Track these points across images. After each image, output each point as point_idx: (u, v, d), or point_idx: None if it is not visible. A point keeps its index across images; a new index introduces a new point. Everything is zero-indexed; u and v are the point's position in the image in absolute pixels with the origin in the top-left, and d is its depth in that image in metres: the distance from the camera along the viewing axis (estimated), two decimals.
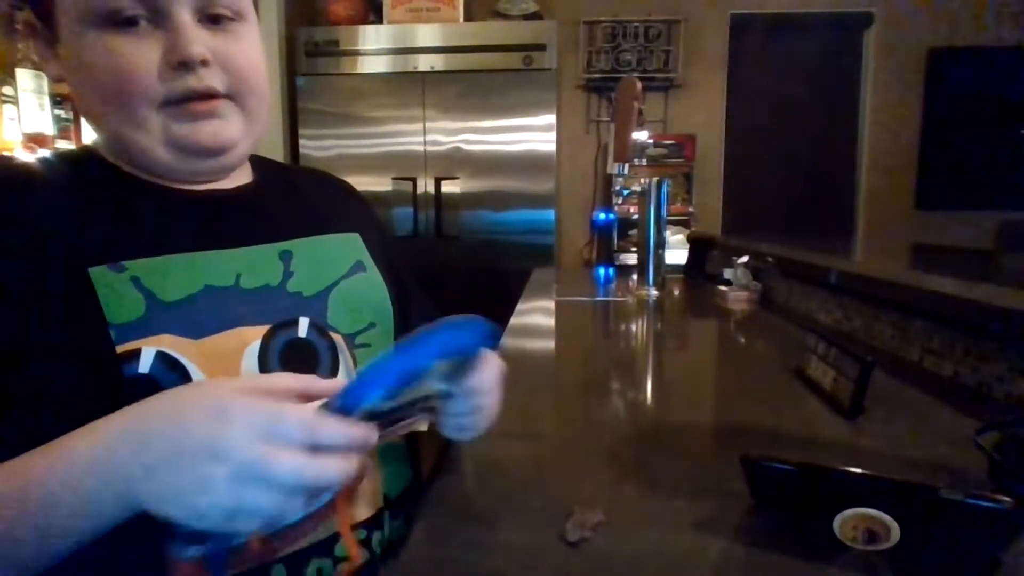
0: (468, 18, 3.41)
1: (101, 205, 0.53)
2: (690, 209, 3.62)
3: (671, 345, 1.46)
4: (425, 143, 3.31)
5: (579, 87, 3.79)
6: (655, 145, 3.61)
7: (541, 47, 3.20)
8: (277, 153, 3.41)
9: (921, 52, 3.67)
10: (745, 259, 1.81)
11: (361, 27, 3.33)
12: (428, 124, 3.30)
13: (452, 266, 3.35)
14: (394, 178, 3.33)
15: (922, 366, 1.05)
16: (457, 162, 3.30)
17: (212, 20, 0.55)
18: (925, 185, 3.75)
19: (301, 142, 3.37)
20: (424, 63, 3.27)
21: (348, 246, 0.66)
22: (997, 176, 3.67)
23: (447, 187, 3.30)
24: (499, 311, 1.61)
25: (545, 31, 3.24)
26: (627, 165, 1.94)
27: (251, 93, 0.59)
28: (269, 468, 0.37)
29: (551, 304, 1.84)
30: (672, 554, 0.52)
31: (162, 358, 0.48)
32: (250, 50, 0.58)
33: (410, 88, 3.28)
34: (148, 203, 0.55)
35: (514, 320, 1.53)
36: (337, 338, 0.58)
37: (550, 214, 3.31)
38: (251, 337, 0.53)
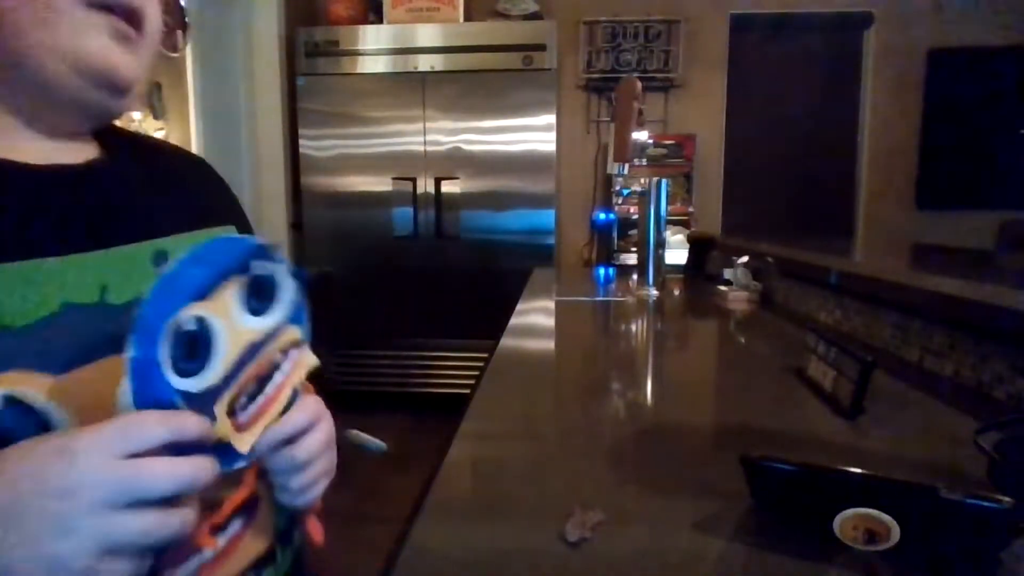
0: (468, 18, 3.41)
1: None
2: (690, 209, 3.62)
3: (671, 345, 1.46)
4: (425, 143, 3.31)
5: (579, 87, 3.79)
6: (655, 145, 3.61)
7: (541, 47, 3.20)
8: (277, 153, 3.41)
9: (921, 52, 3.67)
10: (745, 259, 1.81)
11: (361, 27, 3.33)
12: (428, 124, 3.30)
13: (452, 266, 3.35)
14: (394, 178, 3.33)
15: (922, 366, 1.05)
16: (457, 162, 3.30)
17: None
18: (925, 185, 3.76)
19: (301, 142, 3.37)
20: (424, 63, 3.27)
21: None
22: (997, 176, 3.67)
23: (447, 187, 3.30)
24: (499, 311, 1.61)
25: (545, 31, 3.24)
26: (627, 165, 1.94)
27: (150, 46, 0.50)
28: (135, 485, 0.34)
29: (551, 304, 1.84)
30: (672, 554, 0.52)
31: (11, 402, 0.38)
32: (158, 7, 0.50)
33: (410, 88, 3.28)
34: None
35: (514, 320, 1.53)
36: None
37: (550, 214, 3.32)
38: (121, 371, 0.38)
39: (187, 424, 0.37)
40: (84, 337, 0.41)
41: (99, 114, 0.50)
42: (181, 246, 0.48)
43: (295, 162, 3.43)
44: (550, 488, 0.64)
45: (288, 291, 0.48)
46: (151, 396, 0.37)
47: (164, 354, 0.37)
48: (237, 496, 0.47)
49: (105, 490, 0.34)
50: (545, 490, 0.64)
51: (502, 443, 0.77)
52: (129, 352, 0.36)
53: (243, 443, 0.42)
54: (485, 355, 1.19)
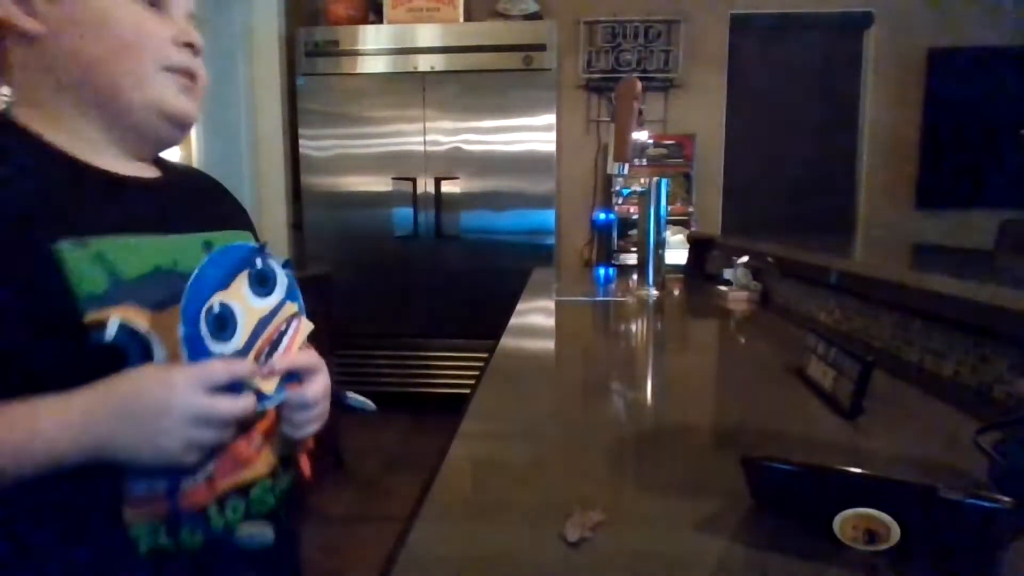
0: (468, 18, 3.41)
1: (40, 179, 0.58)
2: (690, 209, 3.62)
3: (671, 345, 1.46)
4: (425, 143, 3.32)
5: (579, 87, 3.79)
6: (655, 145, 3.61)
7: (541, 47, 3.20)
8: (277, 153, 3.41)
9: (921, 52, 3.67)
10: (745, 259, 1.81)
11: (361, 27, 3.33)
12: (428, 124, 3.30)
13: (452, 266, 3.35)
14: (394, 178, 3.34)
15: (922, 366, 1.05)
16: (457, 162, 3.30)
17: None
18: (925, 185, 3.76)
19: (301, 142, 3.37)
20: (424, 63, 3.27)
21: (247, 242, 0.71)
22: (997, 176, 3.67)
23: (447, 187, 3.30)
24: (499, 311, 1.61)
25: (545, 31, 3.24)
26: (627, 165, 1.94)
27: (203, 94, 0.69)
28: (210, 412, 0.54)
29: (551, 304, 1.84)
30: (672, 554, 0.52)
31: (124, 328, 0.54)
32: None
33: (410, 88, 3.28)
34: (96, 184, 0.62)
35: (514, 320, 1.54)
36: None
37: (550, 214, 3.32)
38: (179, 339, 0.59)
39: (240, 369, 0.57)
40: (166, 289, 0.58)
41: (169, 143, 0.69)
42: (218, 239, 0.66)
43: (295, 162, 3.43)
44: (550, 488, 0.64)
45: (282, 277, 0.65)
46: (199, 359, 0.56)
47: (204, 330, 0.56)
48: (262, 424, 0.65)
49: (192, 411, 0.54)
50: (545, 490, 0.64)
51: (502, 443, 0.77)
52: (179, 330, 0.55)
53: (268, 386, 0.60)
54: (485, 355, 1.19)
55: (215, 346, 0.57)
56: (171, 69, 0.64)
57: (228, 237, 0.67)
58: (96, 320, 0.53)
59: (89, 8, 0.60)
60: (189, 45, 0.65)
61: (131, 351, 0.55)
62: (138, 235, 0.59)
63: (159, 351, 0.56)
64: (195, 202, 0.73)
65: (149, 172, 0.68)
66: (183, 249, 0.62)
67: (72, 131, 0.61)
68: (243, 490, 0.63)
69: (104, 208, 0.60)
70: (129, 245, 0.58)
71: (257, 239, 0.75)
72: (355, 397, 0.88)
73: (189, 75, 0.66)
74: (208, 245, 0.64)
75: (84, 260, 0.53)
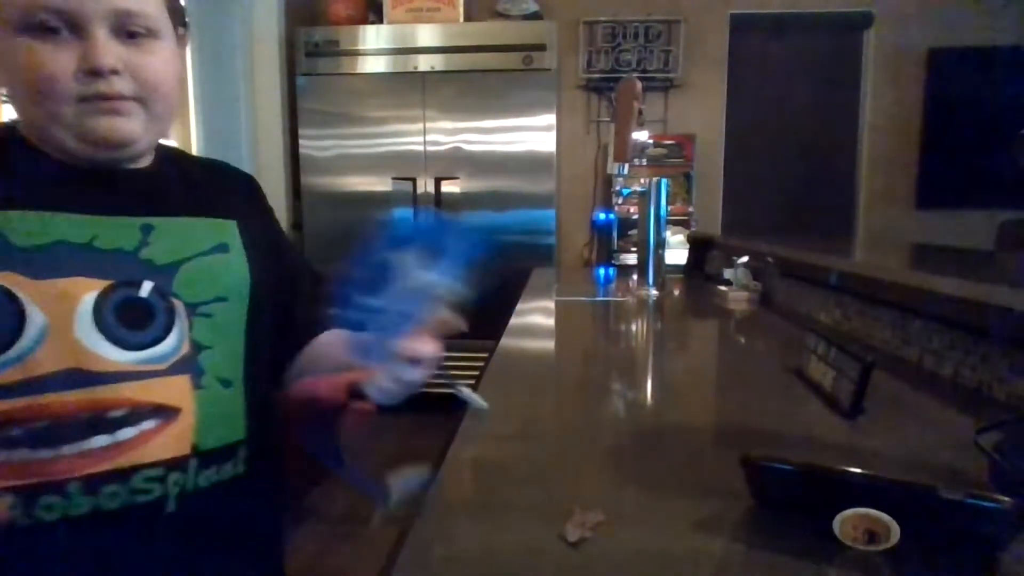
0: (468, 18, 3.41)
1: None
2: (690, 209, 3.62)
3: (671, 345, 1.45)
4: (425, 143, 3.31)
5: (579, 87, 3.79)
6: (655, 145, 3.61)
7: (541, 47, 3.20)
8: (277, 153, 3.41)
9: (921, 52, 3.67)
10: (745, 259, 1.81)
11: (361, 27, 3.33)
12: (428, 124, 3.30)
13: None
14: (394, 178, 3.33)
15: (922, 366, 1.05)
16: (457, 162, 3.30)
17: (128, 35, 0.65)
18: (925, 185, 3.75)
19: (301, 142, 3.37)
20: (424, 63, 3.27)
21: (216, 229, 0.74)
22: (997, 176, 3.67)
23: (447, 187, 3.30)
24: (499, 311, 1.61)
25: (545, 31, 3.24)
26: (627, 165, 1.94)
27: (156, 99, 0.67)
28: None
29: (551, 304, 1.84)
30: (672, 554, 0.52)
31: (2, 291, 0.58)
32: (159, 62, 0.67)
33: (410, 88, 3.28)
34: (34, 169, 0.66)
35: (514, 320, 1.53)
36: (178, 304, 0.67)
37: (550, 214, 3.31)
38: (90, 287, 0.62)
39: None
40: (64, 262, 0.62)
41: (109, 162, 0.68)
42: (164, 224, 0.69)
43: (295, 162, 3.43)
44: (550, 488, 0.64)
45: (452, 262, 0.68)
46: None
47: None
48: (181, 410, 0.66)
49: None
50: (545, 490, 0.64)
51: (502, 443, 0.77)
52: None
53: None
54: (485, 355, 1.19)
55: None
56: (82, 99, 0.63)
57: (180, 223, 0.70)
58: None
59: (5, 55, 0.62)
60: (94, 72, 0.62)
61: (1, 312, 0.58)
62: (53, 211, 0.63)
63: (38, 317, 0.59)
64: (164, 190, 0.73)
65: (134, 165, 0.71)
66: (110, 229, 0.65)
67: (43, 140, 0.66)
68: (122, 474, 0.62)
69: (28, 187, 0.64)
70: (33, 218, 0.62)
71: (247, 227, 0.76)
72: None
73: (107, 98, 0.64)
74: (147, 228, 0.67)
75: None
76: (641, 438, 0.80)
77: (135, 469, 0.62)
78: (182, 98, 2.74)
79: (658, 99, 3.73)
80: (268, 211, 0.87)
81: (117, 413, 0.61)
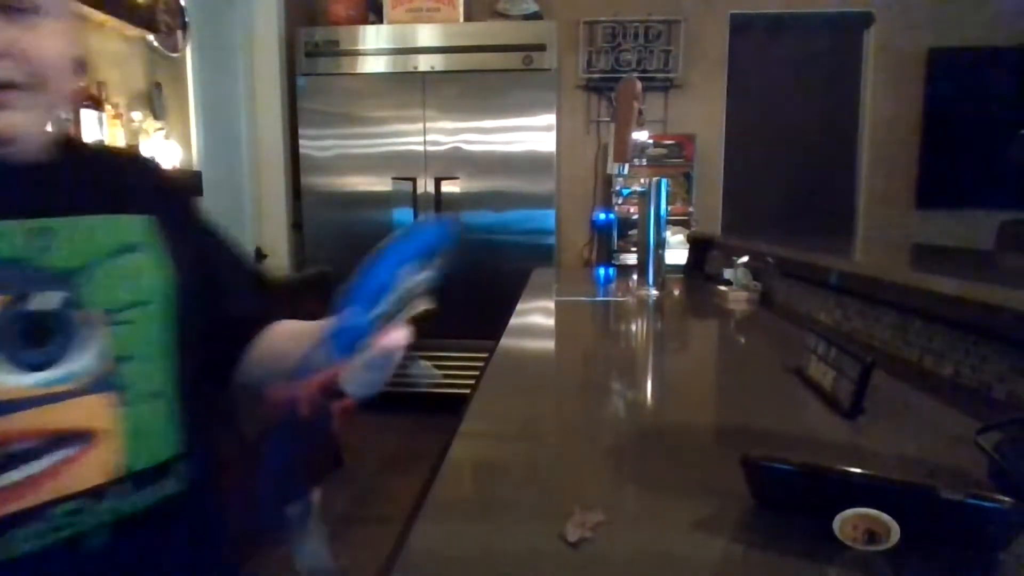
0: (468, 18, 3.41)
1: None
2: (690, 209, 3.62)
3: (671, 345, 1.46)
4: (425, 143, 3.31)
5: (579, 87, 3.79)
6: (655, 145, 3.61)
7: (541, 47, 3.20)
8: (277, 153, 3.41)
9: (921, 52, 3.67)
10: (745, 259, 1.81)
11: (361, 27, 3.33)
12: (428, 124, 3.30)
13: (452, 266, 3.34)
14: (394, 178, 3.33)
15: (922, 366, 1.05)
16: (457, 162, 3.30)
17: (9, 11, 0.55)
18: (925, 185, 3.75)
19: (301, 142, 3.37)
20: (424, 63, 3.27)
21: (126, 227, 0.65)
22: (997, 176, 3.67)
23: (447, 187, 3.30)
24: (499, 311, 1.61)
25: (545, 31, 3.24)
26: (627, 165, 1.94)
27: (45, 86, 0.58)
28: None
29: (551, 304, 1.84)
30: (672, 554, 0.52)
31: None
32: (48, 42, 0.58)
33: (410, 88, 3.28)
34: None
35: (514, 320, 1.53)
36: (91, 313, 0.59)
37: (550, 214, 3.31)
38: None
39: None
40: None
41: (12, 160, 0.60)
42: (63, 225, 0.60)
43: (295, 162, 3.43)
44: (550, 488, 0.64)
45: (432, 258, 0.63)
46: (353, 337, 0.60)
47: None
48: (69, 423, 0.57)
49: None
50: (545, 490, 0.64)
51: (502, 443, 0.77)
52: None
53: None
54: (485, 355, 1.19)
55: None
56: None
57: (81, 222, 0.61)
58: None
59: None
60: None
61: None
62: None
63: None
64: (61, 185, 0.64)
65: (30, 157, 0.63)
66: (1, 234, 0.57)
67: None
68: (37, 511, 0.54)
69: None
70: None
71: (164, 223, 0.68)
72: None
73: None
74: (45, 231, 0.58)
75: None
76: (641, 438, 0.80)
77: (54, 503, 0.55)
78: (178, 95, 2.74)
79: (658, 99, 3.73)
80: (185, 200, 0.77)
81: (23, 446, 0.54)
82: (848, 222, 3.89)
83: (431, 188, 3.31)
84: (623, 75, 3.46)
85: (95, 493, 0.57)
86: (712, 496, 0.59)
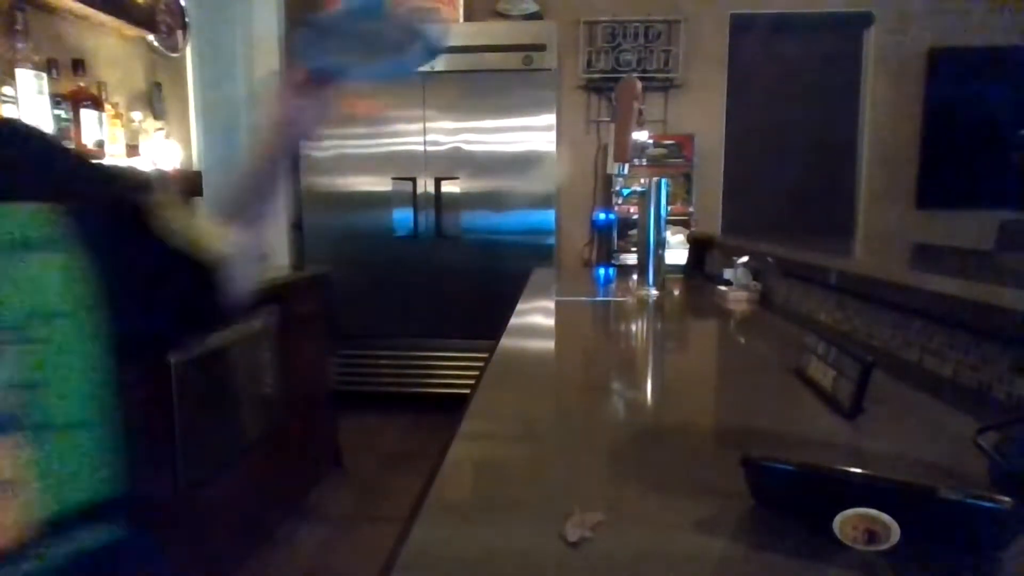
0: (468, 18, 3.41)
1: None
2: (690, 209, 3.62)
3: (671, 345, 1.45)
4: (425, 143, 3.31)
5: (579, 87, 3.79)
6: (655, 145, 3.61)
7: (541, 47, 3.20)
8: None
9: (921, 52, 3.67)
10: (745, 259, 1.81)
11: None
12: (428, 124, 3.30)
13: (452, 266, 3.35)
14: (394, 178, 3.33)
15: (922, 366, 1.04)
16: (457, 162, 3.30)
17: None
18: (925, 185, 3.76)
19: (301, 142, 3.36)
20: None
21: (20, 217, 0.53)
22: (997, 176, 3.67)
23: (447, 187, 3.30)
24: (499, 311, 1.61)
25: (545, 31, 3.24)
26: (627, 165, 1.94)
27: None
28: None
29: (551, 304, 1.84)
30: (672, 554, 0.52)
31: None
32: None
33: (410, 88, 3.28)
34: None
35: (514, 320, 1.53)
36: None
37: (550, 214, 3.31)
38: None
39: None
40: None
41: None
42: None
43: (295, 162, 3.43)
44: (550, 488, 0.64)
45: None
46: None
47: None
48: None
49: None
50: (545, 490, 0.64)
51: (502, 443, 0.77)
52: None
53: None
54: (485, 355, 1.19)
55: None
56: None
57: None
58: None
59: None
60: None
61: None
62: None
63: None
64: None
65: None
66: None
67: None
68: None
69: None
70: None
71: (71, 212, 0.55)
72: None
73: None
74: None
75: None
76: (641, 438, 0.80)
77: None
78: (178, 95, 2.74)
79: (658, 99, 3.73)
80: (109, 179, 0.67)
81: None
82: (848, 222, 3.89)
83: (431, 188, 3.31)
84: (623, 75, 3.46)
85: (11, 556, 0.48)
86: (712, 496, 0.59)
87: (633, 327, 1.60)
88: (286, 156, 0.73)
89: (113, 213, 0.61)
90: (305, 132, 0.73)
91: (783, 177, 3.90)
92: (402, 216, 3.35)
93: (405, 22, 0.69)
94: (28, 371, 0.49)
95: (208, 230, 0.68)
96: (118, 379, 0.56)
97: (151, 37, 2.44)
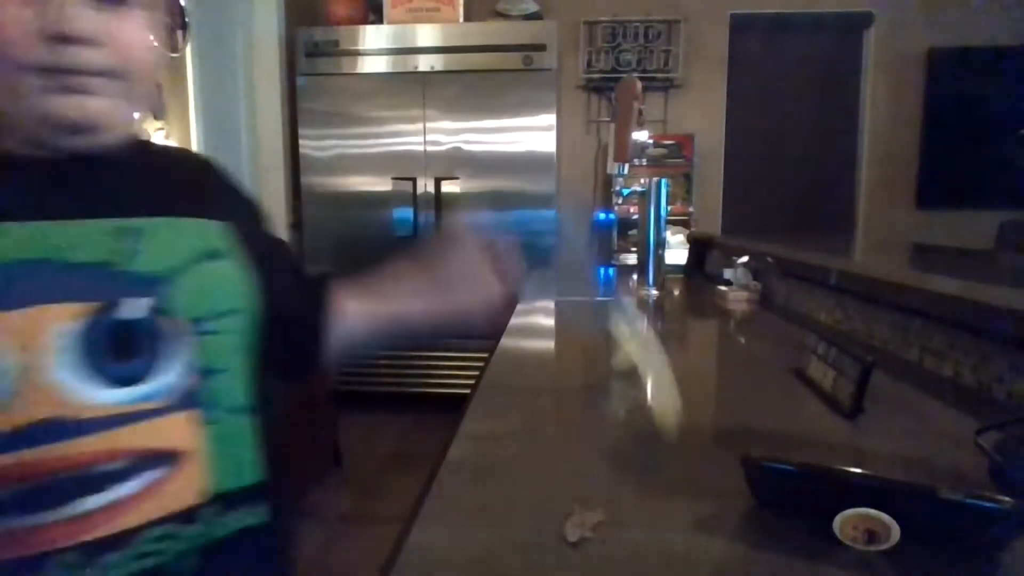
0: (468, 18, 3.41)
1: None
2: (690, 209, 3.62)
3: (671, 345, 1.45)
4: (425, 143, 3.31)
5: (579, 87, 3.79)
6: (655, 145, 3.61)
7: (541, 47, 3.20)
8: (277, 153, 3.42)
9: (921, 52, 3.67)
10: (745, 259, 1.81)
11: (361, 27, 3.33)
12: (428, 124, 3.30)
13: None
14: (394, 178, 3.33)
15: (922, 366, 1.05)
16: (457, 162, 3.30)
17: (105, 1, 0.54)
18: (925, 185, 3.76)
19: (301, 142, 3.37)
20: (424, 63, 3.27)
21: (206, 232, 0.62)
22: (997, 176, 3.67)
23: (447, 187, 3.30)
24: (499, 311, 1.61)
25: (545, 31, 3.24)
26: (627, 165, 1.94)
27: (131, 76, 0.57)
28: None
29: (551, 304, 1.84)
30: (672, 554, 0.52)
31: None
32: (139, 33, 0.57)
33: (410, 88, 3.28)
34: None
35: (514, 320, 1.53)
36: (177, 323, 0.55)
37: (550, 214, 3.31)
38: (67, 314, 0.50)
39: None
40: (30, 285, 0.50)
41: (76, 150, 0.56)
42: (147, 227, 0.56)
43: (295, 162, 3.43)
44: (550, 488, 0.64)
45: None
46: None
47: None
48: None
49: None
50: (545, 490, 0.64)
51: (502, 443, 0.77)
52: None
53: None
54: (485, 355, 1.19)
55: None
56: (45, 70, 0.52)
57: (165, 224, 0.58)
58: None
59: None
60: (62, 38, 0.51)
61: None
62: (10, 223, 0.51)
63: (5, 359, 0.47)
64: (137, 184, 0.61)
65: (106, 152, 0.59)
66: (83, 235, 0.53)
67: None
68: (124, 537, 0.51)
69: None
70: None
71: (236, 230, 0.64)
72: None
73: (74, 72, 0.53)
74: (121, 232, 0.55)
75: None
76: (641, 438, 0.80)
77: (141, 529, 0.51)
78: (178, 95, 2.74)
79: (658, 99, 3.73)
80: (247, 202, 0.75)
81: (112, 467, 0.51)
82: (848, 222, 3.89)
83: (431, 188, 3.31)
84: (623, 75, 3.46)
85: (185, 517, 0.54)
86: (712, 496, 0.59)
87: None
88: (442, 326, 0.80)
89: (255, 228, 0.71)
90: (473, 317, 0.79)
91: (783, 177, 3.90)
92: (402, 216, 3.35)
93: None
94: (202, 358, 0.56)
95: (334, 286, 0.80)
96: (263, 373, 0.63)
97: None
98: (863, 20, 3.72)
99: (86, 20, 0.52)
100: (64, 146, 0.55)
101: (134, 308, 0.53)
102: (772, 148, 3.88)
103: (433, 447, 0.72)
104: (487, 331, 0.77)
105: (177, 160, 0.71)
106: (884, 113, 3.76)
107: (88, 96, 0.54)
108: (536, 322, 1.61)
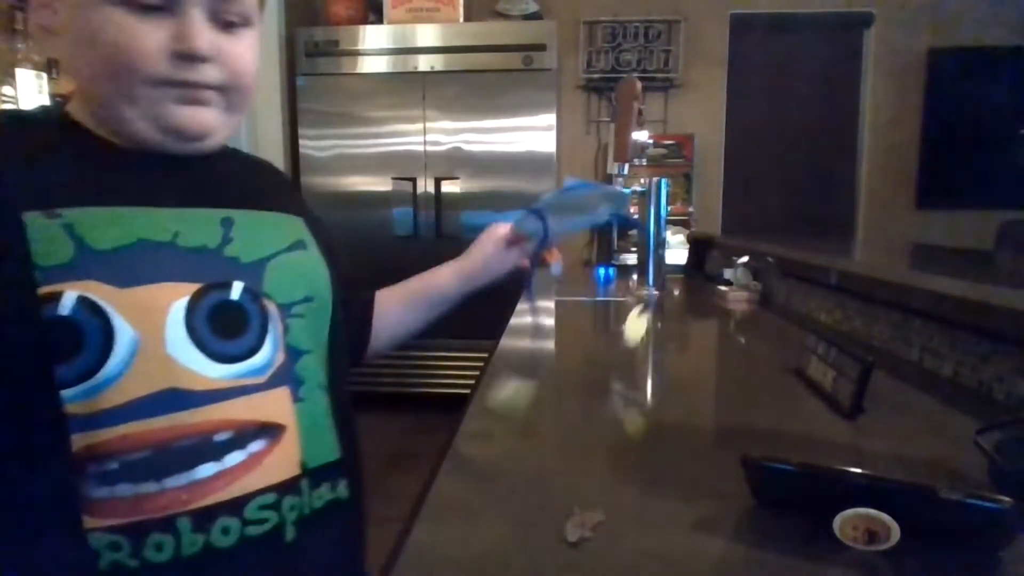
0: (468, 18, 3.41)
1: (51, 156, 0.57)
2: (690, 209, 3.62)
3: (671, 345, 1.45)
4: (425, 143, 3.31)
5: (579, 87, 3.79)
6: (655, 145, 3.61)
7: (541, 47, 3.20)
8: (277, 153, 3.41)
9: (921, 52, 3.67)
10: (745, 259, 1.81)
11: (361, 27, 3.33)
12: (428, 124, 3.30)
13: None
14: (394, 178, 3.34)
15: (922, 366, 1.05)
16: (457, 162, 3.30)
17: (224, 24, 0.60)
18: (925, 185, 3.76)
19: (301, 142, 3.37)
20: (424, 63, 3.27)
21: (291, 225, 0.70)
22: (997, 176, 3.67)
23: (447, 187, 3.30)
24: (499, 311, 1.61)
25: (545, 31, 3.24)
26: (627, 165, 1.94)
27: (239, 90, 0.63)
28: None
29: (551, 304, 1.84)
30: (672, 554, 0.52)
31: (84, 303, 0.51)
32: (248, 53, 0.63)
33: (410, 88, 3.28)
34: (99, 158, 0.59)
35: (514, 320, 1.53)
36: (270, 306, 0.61)
37: None
38: (179, 292, 0.55)
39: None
40: (148, 265, 0.55)
41: (182, 153, 0.63)
42: (243, 217, 0.63)
43: (295, 162, 3.43)
44: (550, 488, 0.64)
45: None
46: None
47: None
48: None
49: None
50: (545, 490, 0.64)
51: (502, 443, 0.77)
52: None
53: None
54: (485, 355, 1.19)
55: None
56: (166, 83, 0.58)
57: (258, 216, 0.65)
58: (50, 293, 0.50)
59: (82, 19, 0.56)
60: (188, 56, 0.57)
61: (88, 328, 0.50)
62: (130, 207, 0.56)
63: (127, 333, 0.52)
64: (232, 181, 0.69)
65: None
66: (190, 222, 0.59)
67: (102, 122, 0.60)
68: (234, 504, 0.55)
69: (100, 180, 0.58)
70: (109, 216, 0.55)
71: (310, 225, 0.72)
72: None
73: (193, 86, 0.59)
74: (228, 222, 0.62)
75: (49, 231, 0.51)
76: (641, 438, 0.80)
77: (248, 497, 0.56)
78: None
79: (658, 99, 3.73)
80: (305, 202, 0.83)
81: (222, 437, 0.55)
82: (848, 222, 3.89)
83: (431, 188, 3.31)
84: (623, 75, 3.46)
85: (284, 488, 0.58)
86: (712, 496, 0.59)
87: (633, 327, 1.60)
88: (472, 287, 1.00)
89: (323, 229, 0.77)
90: (497, 273, 0.99)
91: (783, 177, 3.90)
92: (402, 216, 3.35)
93: (600, 192, 0.93)
94: (295, 339, 0.62)
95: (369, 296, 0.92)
96: (338, 356, 0.68)
97: None
98: (863, 20, 3.72)
99: (208, 40, 0.58)
100: (172, 149, 0.61)
101: (233, 290, 0.59)
102: (772, 148, 3.88)
103: (433, 447, 0.72)
104: (512, 282, 0.94)
105: (257, 163, 0.79)
106: (884, 113, 3.76)
107: (203, 107, 0.60)
108: (536, 322, 1.61)
